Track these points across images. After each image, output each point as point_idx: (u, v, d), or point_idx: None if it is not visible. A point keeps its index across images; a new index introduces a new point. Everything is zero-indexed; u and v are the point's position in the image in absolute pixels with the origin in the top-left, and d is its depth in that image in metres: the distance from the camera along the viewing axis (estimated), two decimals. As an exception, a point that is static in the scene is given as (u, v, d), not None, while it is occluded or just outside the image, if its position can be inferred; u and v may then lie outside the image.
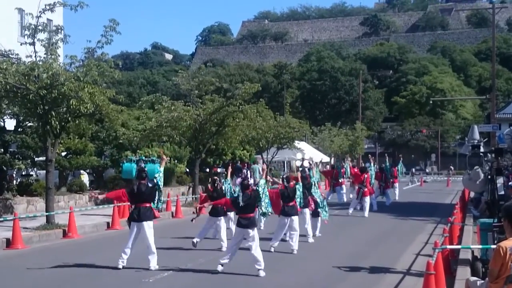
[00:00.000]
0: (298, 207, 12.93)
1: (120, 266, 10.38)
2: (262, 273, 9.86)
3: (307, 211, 14.09)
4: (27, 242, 13.67)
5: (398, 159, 30.33)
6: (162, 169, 11.16)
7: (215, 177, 13.83)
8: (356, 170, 24.53)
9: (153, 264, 10.42)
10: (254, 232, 10.01)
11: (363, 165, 26.37)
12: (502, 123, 47.39)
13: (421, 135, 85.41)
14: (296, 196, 12.74)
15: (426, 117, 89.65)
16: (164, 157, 11.60)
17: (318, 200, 14.61)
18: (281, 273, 10.37)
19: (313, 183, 14.66)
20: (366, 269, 10.58)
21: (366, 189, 21.14)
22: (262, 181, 10.62)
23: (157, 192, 10.81)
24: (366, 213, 20.55)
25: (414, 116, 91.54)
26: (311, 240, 13.95)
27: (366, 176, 21.70)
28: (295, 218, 12.64)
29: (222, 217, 12.90)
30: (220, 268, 9.98)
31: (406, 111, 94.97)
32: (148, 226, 10.51)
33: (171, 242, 13.61)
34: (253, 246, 9.94)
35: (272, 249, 12.36)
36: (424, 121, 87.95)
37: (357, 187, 22.17)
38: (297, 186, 12.87)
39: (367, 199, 21.01)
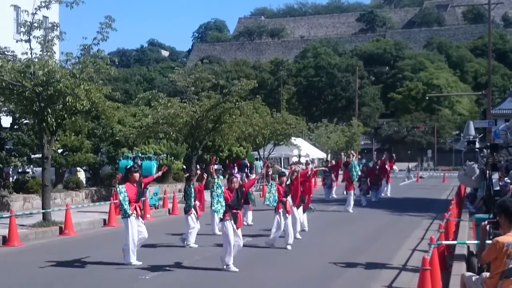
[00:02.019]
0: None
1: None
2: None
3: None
4: (23, 239, 13.66)
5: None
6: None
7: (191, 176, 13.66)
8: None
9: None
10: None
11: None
12: (498, 118, 47.56)
13: (417, 131, 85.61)
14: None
15: (422, 113, 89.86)
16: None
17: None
18: (277, 268, 10.39)
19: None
20: (362, 265, 10.62)
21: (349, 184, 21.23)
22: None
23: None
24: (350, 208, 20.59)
25: (410, 112, 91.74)
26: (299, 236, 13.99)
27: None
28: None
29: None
30: (233, 268, 9.99)
31: (402, 107, 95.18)
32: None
33: (167, 239, 13.63)
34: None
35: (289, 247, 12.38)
36: (420, 117, 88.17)
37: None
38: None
39: (351, 193, 21.01)
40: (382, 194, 26.78)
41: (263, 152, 35.33)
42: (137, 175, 10.76)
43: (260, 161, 35.88)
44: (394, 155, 35.48)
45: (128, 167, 11.23)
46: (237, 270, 9.89)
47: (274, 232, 12.45)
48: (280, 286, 9.12)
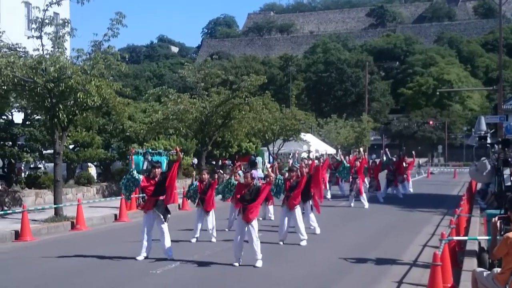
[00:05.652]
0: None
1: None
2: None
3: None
4: (35, 234, 13.78)
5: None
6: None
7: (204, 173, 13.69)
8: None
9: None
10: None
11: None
12: (509, 114, 47.07)
13: (427, 126, 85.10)
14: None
15: (433, 109, 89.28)
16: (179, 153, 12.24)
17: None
18: (287, 264, 10.41)
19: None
20: (373, 261, 10.61)
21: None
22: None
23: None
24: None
25: (420, 108, 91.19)
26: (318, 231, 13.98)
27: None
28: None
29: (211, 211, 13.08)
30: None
31: (413, 103, 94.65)
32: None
33: (177, 234, 13.67)
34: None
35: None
36: (431, 113, 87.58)
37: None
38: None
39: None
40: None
41: (273, 148, 35.32)
42: (157, 170, 10.92)
43: (269, 162, 35.85)
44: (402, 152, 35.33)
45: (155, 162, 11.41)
46: (236, 265, 9.99)
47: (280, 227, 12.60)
48: (290, 281, 9.13)
